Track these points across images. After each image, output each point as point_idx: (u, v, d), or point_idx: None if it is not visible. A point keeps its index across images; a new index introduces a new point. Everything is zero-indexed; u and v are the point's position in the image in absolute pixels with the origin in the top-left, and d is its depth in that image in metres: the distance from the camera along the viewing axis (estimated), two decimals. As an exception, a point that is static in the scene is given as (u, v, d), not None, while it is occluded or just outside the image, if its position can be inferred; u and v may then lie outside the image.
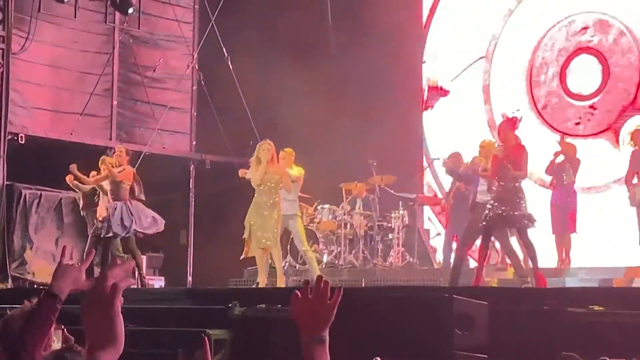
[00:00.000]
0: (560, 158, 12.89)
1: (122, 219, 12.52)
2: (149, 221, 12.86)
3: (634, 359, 6.42)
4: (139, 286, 12.59)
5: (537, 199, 12.33)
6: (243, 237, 11.61)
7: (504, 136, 10.92)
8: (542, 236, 11.91)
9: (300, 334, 2.45)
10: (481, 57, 15.81)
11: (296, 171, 12.33)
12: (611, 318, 8.15)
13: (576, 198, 12.85)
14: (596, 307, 8.32)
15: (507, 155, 10.59)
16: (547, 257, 12.52)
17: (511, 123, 11.03)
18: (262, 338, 8.60)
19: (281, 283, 11.70)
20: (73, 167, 12.87)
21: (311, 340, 2.42)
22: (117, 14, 16.23)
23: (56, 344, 3.95)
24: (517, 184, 10.60)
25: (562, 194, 12.77)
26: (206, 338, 2.62)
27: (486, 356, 7.50)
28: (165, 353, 8.41)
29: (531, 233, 10.74)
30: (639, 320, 7.99)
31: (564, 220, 12.70)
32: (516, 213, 10.49)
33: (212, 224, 16.07)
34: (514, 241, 11.53)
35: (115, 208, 12.54)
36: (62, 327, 4.02)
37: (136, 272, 12.78)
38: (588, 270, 12.94)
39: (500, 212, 10.51)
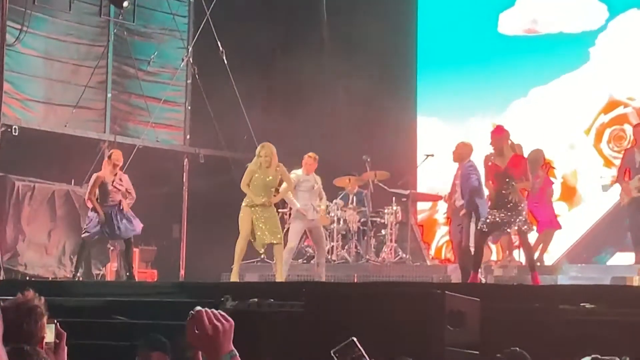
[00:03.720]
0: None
1: None
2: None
3: (625, 357, 6.43)
4: None
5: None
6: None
7: (498, 147, 10.78)
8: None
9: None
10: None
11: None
12: (602, 316, 8.18)
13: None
14: (587, 305, 8.35)
15: (508, 167, 10.58)
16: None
17: (502, 132, 10.90)
18: (253, 332, 8.60)
19: (280, 278, 11.65)
20: None
21: None
22: (112, 7, 16.19)
23: (49, 337, 3.94)
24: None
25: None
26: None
27: (477, 352, 7.52)
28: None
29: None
30: (630, 318, 8.02)
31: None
32: (518, 218, 10.53)
33: (205, 218, 16.06)
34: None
35: None
36: (55, 321, 4.02)
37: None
38: (580, 268, 12.96)
39: (499, 220, 10.56)
